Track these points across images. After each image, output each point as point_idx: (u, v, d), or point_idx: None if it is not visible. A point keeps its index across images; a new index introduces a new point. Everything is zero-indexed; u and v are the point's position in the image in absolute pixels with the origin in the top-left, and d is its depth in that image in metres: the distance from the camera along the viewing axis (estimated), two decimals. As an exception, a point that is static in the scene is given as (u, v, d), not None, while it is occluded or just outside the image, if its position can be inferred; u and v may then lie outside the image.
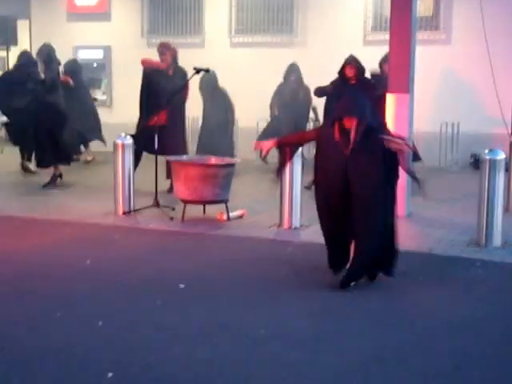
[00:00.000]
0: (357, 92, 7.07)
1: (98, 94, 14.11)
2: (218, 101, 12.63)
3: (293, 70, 13.06)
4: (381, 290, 6.33)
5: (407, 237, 8.34)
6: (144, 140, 10.12)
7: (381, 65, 11.07)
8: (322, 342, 5.07)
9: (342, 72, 10.40)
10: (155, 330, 5.28)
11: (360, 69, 10.35)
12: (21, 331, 5.22)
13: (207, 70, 9.92)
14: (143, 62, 11.04)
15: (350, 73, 10.30)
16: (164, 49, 10.89)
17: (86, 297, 6.06)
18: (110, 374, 4.45)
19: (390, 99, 9.28)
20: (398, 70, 9.21)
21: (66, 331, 5.23)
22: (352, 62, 10.32)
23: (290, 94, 13.01)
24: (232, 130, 12.98)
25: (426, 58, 12.66)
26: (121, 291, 6.22)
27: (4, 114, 12.27)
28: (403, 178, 9.11)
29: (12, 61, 14.63)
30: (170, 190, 10.43)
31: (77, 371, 4.52)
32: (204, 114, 12.80)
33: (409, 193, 9.34)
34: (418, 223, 9.05)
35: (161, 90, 10.62)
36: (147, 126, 10.08)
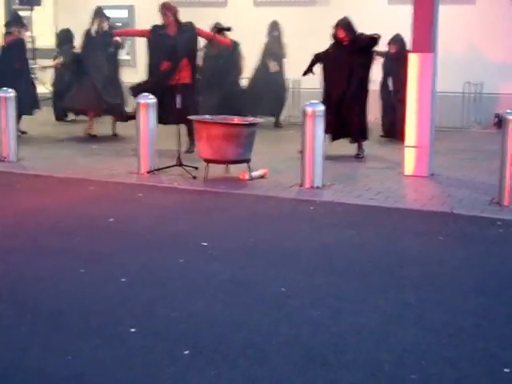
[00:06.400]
0: None
1: (122, 54, 14.12)
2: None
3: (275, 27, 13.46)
4: (401, 249, 6.37)
5: (429, 196, 8.38)
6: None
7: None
8: (343, 300, 5.11)
9: (334, 35, 10.93)
10: (177, 286, 5.35)
11: (350, 30, 10.79)
12: (45, 287, 5.31)
13: (228, 29, 9.91)
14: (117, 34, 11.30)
15: (340, 34, 10.83)
16: (165, 9, 10.87)
17: (109, 254, 6.15)
18: (132, 330, 4.53)
19: (414, 58, 9.23)
20: (421, 29, 9.14)
21: (89, 287, 5.32)
22: (340, 24, 10.82)
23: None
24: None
25: (450, 17, 12.53)
26: (144, 248, 6.30)
27: None
28: (425, 140, 9.15)
29: (37, 21, 14.72)
30: (189, 150, 10.58)
31: (100, 326, 4.60)
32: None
33: (432, 153, 9.32)
34: (440, 183, 9.05)
35: (163, 51, 10.69)
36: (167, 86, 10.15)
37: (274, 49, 13.83)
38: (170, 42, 10.67)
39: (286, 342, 4.38)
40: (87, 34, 12.58)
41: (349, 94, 10.67)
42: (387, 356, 4.21)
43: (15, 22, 12.93)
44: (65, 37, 14.27)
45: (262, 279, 5.54)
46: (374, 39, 10.61)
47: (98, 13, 12.85)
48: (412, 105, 9.26)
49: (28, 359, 4.14)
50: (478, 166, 10.20)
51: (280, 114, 14.31)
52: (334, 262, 5.99)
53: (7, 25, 12.95)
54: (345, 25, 10.77)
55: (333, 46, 10.97)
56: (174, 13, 10.84)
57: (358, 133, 10.92)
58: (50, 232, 6.79)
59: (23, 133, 12.45)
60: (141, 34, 11.10)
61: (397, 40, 12.32)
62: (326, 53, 11.00)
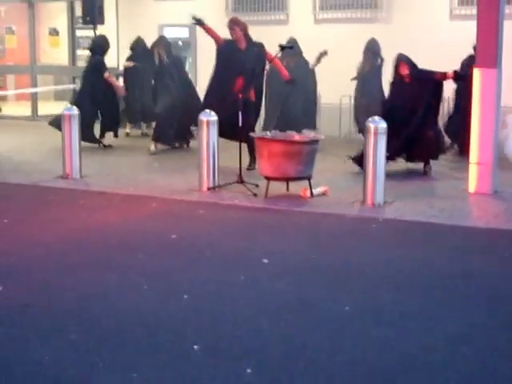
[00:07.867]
0: None
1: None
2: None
3: (369, 47, 13.25)
4: (466, 267, 6.26)
5: (493, 214, 8.24)
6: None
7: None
8: (409, 319, 5.05)
9: (396, 70, 10.68)
10: (240, 304, 5.35)
11: (413, 66, 10.52)
12: (110, 303, 5.36)
13: (291, 47, 9.94)
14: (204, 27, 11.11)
15: (403, 70, 10.54)
16: (233, 24, 10.78)
17: (171, 270, 6.18)
18: (196, 347, 4.54)
19: (477, 74, 9.12)
20: (485, 44, 9.01)
21: (152, 303, 5.35)
22: (404, 60, 10.55)
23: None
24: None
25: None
26: (205, 265, 6.31)
27: None
28: (489, 157, 9.00)
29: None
30: (250, 167, 10.59)
31: (164, 343, 4.61)
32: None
33: (495, 170, 9.18)
34: (504, 200, 8.90)
35: (233, 65, 10.61)
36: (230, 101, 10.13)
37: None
38: (241, 55, 10.63)
39: (351, 362, 4.34)
40: (159, 63, 13.12)
41: (417, 121, 10.46)
42: (455, 376, 4.14)
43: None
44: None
45: (324, 297, 5.51)
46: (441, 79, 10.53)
47: (156, 42, 13.19)
48: (475, 121, 9.14)
49: (94, 375, 4.17)
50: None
51: None
52: (397, 280, 5.92)
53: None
54: (407, 60, 10.54)
55: (395, 85, 10.82)
56: (243, 28, 10.75)
57: (435, 154, 10.85)
58: (114, 248, 6.86)
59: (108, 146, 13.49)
60: (216, 37, 10.94)
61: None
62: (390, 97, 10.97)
